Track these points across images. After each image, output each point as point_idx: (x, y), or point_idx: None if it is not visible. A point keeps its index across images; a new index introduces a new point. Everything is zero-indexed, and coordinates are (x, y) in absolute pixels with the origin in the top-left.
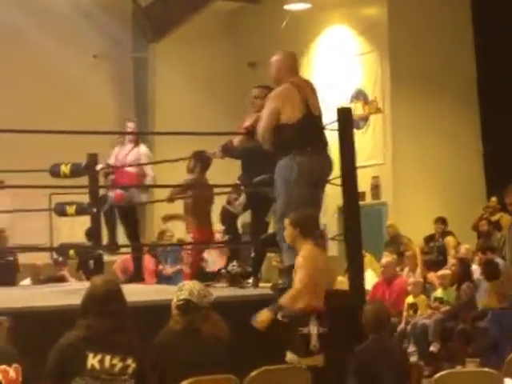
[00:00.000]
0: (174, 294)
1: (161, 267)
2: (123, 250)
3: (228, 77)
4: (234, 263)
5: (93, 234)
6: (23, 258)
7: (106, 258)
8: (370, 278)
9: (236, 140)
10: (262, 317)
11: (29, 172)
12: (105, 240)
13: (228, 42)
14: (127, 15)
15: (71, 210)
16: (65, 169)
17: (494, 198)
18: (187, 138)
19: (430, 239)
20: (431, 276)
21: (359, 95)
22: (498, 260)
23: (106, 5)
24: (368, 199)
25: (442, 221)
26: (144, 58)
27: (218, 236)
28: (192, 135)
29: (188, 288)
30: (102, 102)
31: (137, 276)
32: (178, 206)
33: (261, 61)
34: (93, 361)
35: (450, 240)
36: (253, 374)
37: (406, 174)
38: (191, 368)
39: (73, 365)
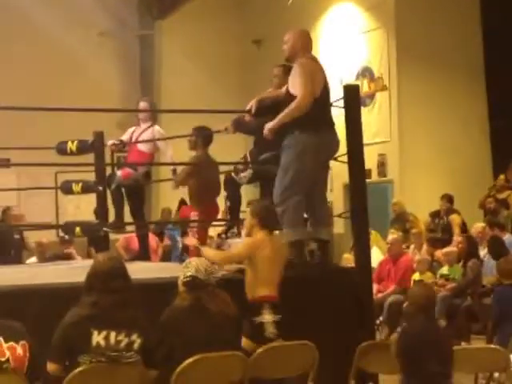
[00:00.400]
0: (181, 270)
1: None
2: (128, 228)
3: (233, 54)
4: (234, 230)
5: (99, 211)
6: (29, 236)
7: (112, 236)
8: (376, 256)
9: (248, 115)
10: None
11: (34, 150)
12: (111, 218)
13: (234, 19)
14: None
15: (77, 187)
16: (71, 146)
17: (502, 176)
18: (193, 116)
19: (435, 215)
20: (438, 253)
21: (365, 72)
22: (507, 236)
23: None
24: (374, 177)
25: (448, 198)
26: (149, 36)
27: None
28: (198, 113)
29: (194, 265)
30: (107, 81)
31: (143, 254)
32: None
33: (266, 38)
34: (98, 338)
35: (454, 218)
36: (259, 350)
37: (412, 151)
38: (198, 345)
39: (78, 342)
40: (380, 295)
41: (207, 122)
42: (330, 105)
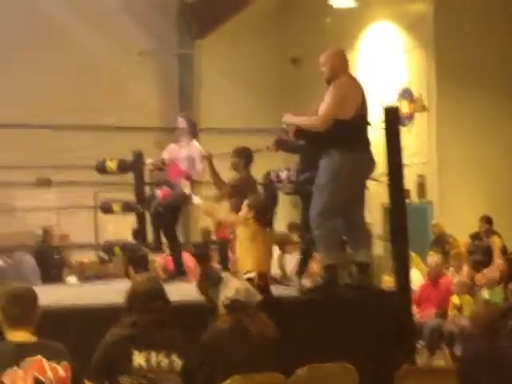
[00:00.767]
0: (221, 293)
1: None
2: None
3: (271, 73)
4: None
5: (138, 232)
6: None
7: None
8: (416, 278)
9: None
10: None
11: (74, 169)
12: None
13: (272, 38)
14: (172, 12)
15: (117, 207)
16: (111, 164)
17: None
18: (232, 134)
19: (475, 237)
20: (479, 276)
21: (404, 93)
22: None
23: (152, 1)
24: (413, 198)
25: (486, 220)
26: (189, 55)
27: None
28: (237, 132)
29: (235, 287)
30: (146, 100)
31: (179, 275)
32: None
33: (304, 57)
34: (139, 359)
35: (495, 240)
36: (299, 371)
37: (452, 172)
38: (239, 367)
39: (118, 362)
40: (420, 318)
41: (245, 141)
42: (368, 124)
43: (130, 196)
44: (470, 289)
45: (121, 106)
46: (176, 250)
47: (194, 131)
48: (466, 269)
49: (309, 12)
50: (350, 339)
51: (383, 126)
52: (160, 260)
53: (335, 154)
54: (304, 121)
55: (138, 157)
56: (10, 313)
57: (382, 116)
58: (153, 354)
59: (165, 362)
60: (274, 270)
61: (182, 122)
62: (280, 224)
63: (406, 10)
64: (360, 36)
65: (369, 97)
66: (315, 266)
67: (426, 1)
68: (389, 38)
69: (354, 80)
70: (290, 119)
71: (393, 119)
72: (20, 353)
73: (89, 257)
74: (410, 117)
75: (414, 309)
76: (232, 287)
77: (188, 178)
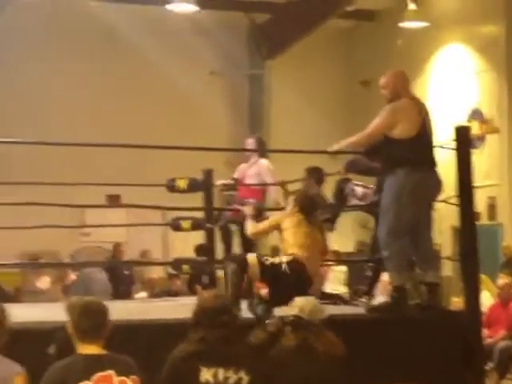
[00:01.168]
0: (286, 310)
1: None
2: None
3: (341, 94)
4: None
5: (207, 249)
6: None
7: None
8: (486, 300)
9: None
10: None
11: (144, 186)
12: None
13: (342, 59)
14: (243, 32)
15: (186, 225)
16: (181, 183)
17: None
18: (301, 155)
19: None
20: None
21: (475, 114)
22: None
23: (223, 22)
24: (483, 220)
25: None
26: (259, 75)
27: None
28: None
29: (299, 304)
30: (216, 119)
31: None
32: None
33: (374, 79)
34: (206, 375)
35: None
36: None
37: None
38: None
39: (186, 378)
40: (490, 340)
41: (316, 161)
42: (432, 144)
43: (198, 214)
44: None
45: (191, 126)
46: None
47: (263, 152)
48: None
49: (379, 34)
50: (418, 360)
51: (454, 146)
52: None
53: (398, 173)
54: (348, 141)
55: (208, 175)
56: (81, 326)
57: (452, 136)
58: (220, 370)
59: (233, 378)
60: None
61: (251, 144)
62: (348, 242)
63: (477, 32)
64: (431, 58)
65: (438, 118)
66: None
67: (497, 23)
68: (460, 60)
69: (414, 101)
70: (336, 146)
71: (463, 139)
72: (90, 366)
73: (157, 273)
74: (481, 138)
75: (484, 330)
76: (296, 305)
77: (257, 195)
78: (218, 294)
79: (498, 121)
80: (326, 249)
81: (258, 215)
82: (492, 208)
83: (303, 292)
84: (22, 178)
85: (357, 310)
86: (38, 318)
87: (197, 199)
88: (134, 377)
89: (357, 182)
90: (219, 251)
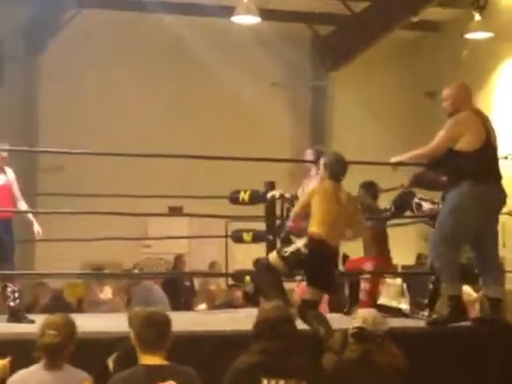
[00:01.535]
0: (350, 322)
1: None
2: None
3: (405, 106)
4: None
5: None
6: (199, 284)
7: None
8: None
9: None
10: None
11: (207, 198)
12: None
13: (406, 70)
14: (306, 44)
15: (248, 237)
16: (244, 195)
17: None
18: (362, 167)
19: None
20: None
21: None
22: None
23: (286, 33)
24: None
25: None
26: (322, 87)
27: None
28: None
29: (362, 316)
30: (278, 130)
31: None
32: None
33: (439, 90)
34: None
35: None
36: None
37: None
38: None
39: None
40: None
41: (380, 173)
42: (496, 156)
43: (261, 225)
44: None
45: (253, 137)
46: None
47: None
48: None
49: (444, 45)
50: (479, 374)
51: None
52: (299, 289)
53: (462, 186)
54: (413, 153)
55: (270, 188)
56: (144, 337)
57: None
58: (282, 382)
59: None
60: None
61: (309, 154)
62: (409, 255)
63: None
64: (497, 69)
65: (503, 129)
66: None
67: None
68: None
69: (476, 113)
70: (397, 158)
71: None
72: (152, 377)
73: (219, 285)
74: None
75: None
76: (359, 316)
77: None
78: (279, 304)
79: None
80: (356, 220)
81: None
82: None
83: (330, 268)
84: (86, 189)
85: (417, 323)
86: (100, 329)
87: (259, 211)
88: None
89: (424, 197)
90: None
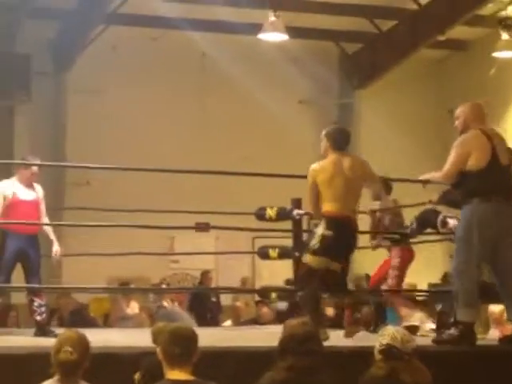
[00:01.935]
0: (377, 339)
1: None
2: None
3: (431, 125)
4: None
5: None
6: (226, 300)
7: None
8: None
9: None
10: None
11: (233, 215)
12: None
13: (433, 89)
14: (333, 61)
15: (274, 253)
16: (271, 212)
17: None
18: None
19: None
20: None
21: None
22: None
23: (313, 51)
24: None
25: None
26: (349, 105)
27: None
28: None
29: (390, 333)
30: (305, 147)
31: (337, 322)
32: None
33: None
34: None
35: None
36: None
37: None
38: None
39: None
40: None
41: (404, 189)
42: (505, 175)
43: (286, 241)
44: None
45: (280, 154)
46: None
47: None
48: None
49: (471, 63)
50: None
51: None
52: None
53: (469, 205)
54: (434, 176)
55: (297, 204)
56: (171, 352)
57: None
58: None
59: None
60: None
61: None
62: (435, 273)
63: None
64: None
65: None
66: None
67: None
68: None
69: (483, 132)
70: (424, 176)
71: None
72: None
73: (247, 301)
74: None
75: None
76: (388, 333)
77: None
78: (304, 321)
79: None
80: (369, 179)
81: None
82: None
83: (348, 239)
84: (112, 204)
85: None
86: (126, 343)
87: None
88: None
89: (450, 215)
90: None
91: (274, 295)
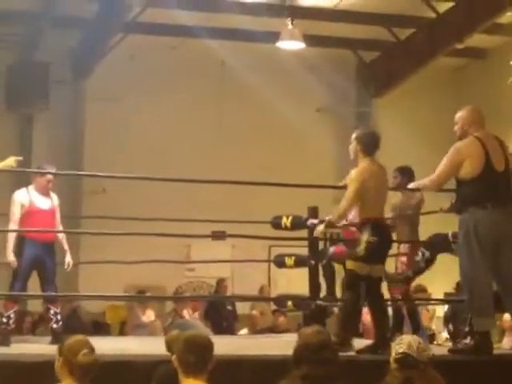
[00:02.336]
0: (393, 347)
1: None
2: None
3: (450, 134)
4: None
5: (310, 285)
6: (242, 308)
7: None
8: None
9: None
10: (317, 232)
11: (249, 223)
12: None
13: (450, 98)
14: (351, 70)
15: (290, 261)
16: (286, 221)
17: None
18: None
19: None
20: None
21: None
22: None
23: (330, 59)
24: None
25: None
26: (366, 113)
27: None
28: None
29: (407, 342)
30: (322, 156)
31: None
32: None
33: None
34: None
35: None
36: None
37: None
38: None
39: None
40: None
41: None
42: (508, 184)
43: (303, 250)
44: None
45: (298, 162)
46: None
47: None
48: None
49: (490, 72)
50: None
51: None
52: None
53: (464, 214)
54: (422, 183)
55: (313, 213)
56: (186, 360)
57: None
58: None
59: None
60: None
61: None
62: (449, 283)
63: None
64: None
65: None
66: None
67: None
68: None
69: (478, 138)
70: (413, 184)
71: None
72: None
73: (261, 310)
74: None
75: None
76: (404, 342)
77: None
78: (319, 329)
79: None
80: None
81: None
82: None
83: (388, 243)
84: (128, 212)
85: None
86: (140, 351)
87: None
88: None
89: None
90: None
91: (289, 303)
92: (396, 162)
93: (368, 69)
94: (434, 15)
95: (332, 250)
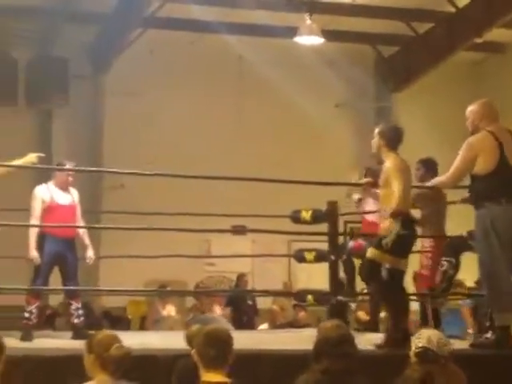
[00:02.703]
0: (412, 341)
1: None
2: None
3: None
4: None
5: (330, 280)
6: (262, 303)
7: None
8: None
9: None
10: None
11: (269, 218)
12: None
13: (469, 92)
14: (370, 65)
15: (310, 256)
16: (305, 215)
17: None
18: None
19: None
20: None
21: None
22: None
23: (349, 54)
24: None
25: None
26: (386, 108)
27: None
28: None
29: (426, 336)
30: (342, 151)
31: (372, 325)
32: None
33: (503, 112)
34: None
35: None
36: None
37: None
38: None
39: None
40: None
41: None
42: None
43: (323, 245)
44: None
45: (317, 157)
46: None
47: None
48: None
49: (508, 66)
50: None
51: None
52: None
53: (482, 209)
54: (439, 180)
55: (333, 207)
56: (206, 354)
57: None
58: None
59: None
60: None
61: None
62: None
63: None
64: None
65: None
66: None
67: None
68: None
69: (491, 133)
70: (431, 182)
71: None
72: None
73: (281, 305)
74: None
75: None
76: (424, 336)
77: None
78: (339, 323)
79: None
80: None
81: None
82: None
83: (414, 237)
84: (147, 208)
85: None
86: (161, 346)
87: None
88: None
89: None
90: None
91: (309, 298)
92: (416, 156)
93: (387, 63)
94: (453, 9)
95: (351, 244)
